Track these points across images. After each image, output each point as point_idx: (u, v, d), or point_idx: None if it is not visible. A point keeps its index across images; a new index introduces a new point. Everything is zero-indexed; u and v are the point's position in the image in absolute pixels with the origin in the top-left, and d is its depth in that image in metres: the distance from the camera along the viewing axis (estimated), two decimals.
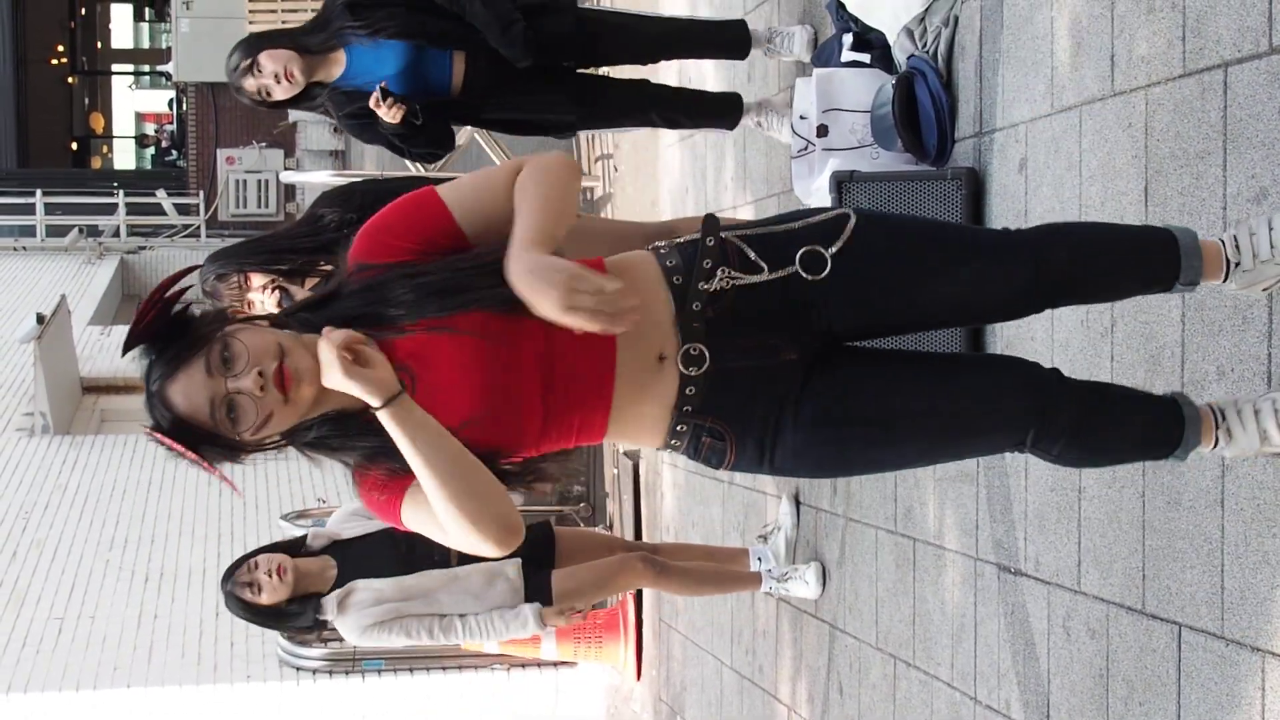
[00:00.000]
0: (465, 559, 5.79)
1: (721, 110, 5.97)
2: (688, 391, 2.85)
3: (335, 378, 2.61)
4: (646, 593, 8.78)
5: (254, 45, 5.31)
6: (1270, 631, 3.30)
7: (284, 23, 18.66)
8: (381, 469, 2.75)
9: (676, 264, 2.87)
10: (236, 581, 5.61)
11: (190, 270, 2.83)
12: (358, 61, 5.37)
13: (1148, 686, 3.75)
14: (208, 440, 2.69)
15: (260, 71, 5.26)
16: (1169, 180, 3.66)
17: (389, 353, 2.72)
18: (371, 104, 5.26)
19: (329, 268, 5.19)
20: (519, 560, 5.82)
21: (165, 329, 2.70)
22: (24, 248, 22.90)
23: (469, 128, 8.35)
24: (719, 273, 2.84)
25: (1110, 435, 3.05)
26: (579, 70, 5.70)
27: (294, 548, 5.77)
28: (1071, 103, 4.09)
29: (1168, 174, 3.66)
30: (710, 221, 2.91)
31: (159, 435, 2.70)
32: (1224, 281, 3.12)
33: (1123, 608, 3.86)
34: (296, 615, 5.92)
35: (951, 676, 4.86)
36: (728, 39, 5.88)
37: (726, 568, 6.52)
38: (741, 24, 5.90)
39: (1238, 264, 3.10)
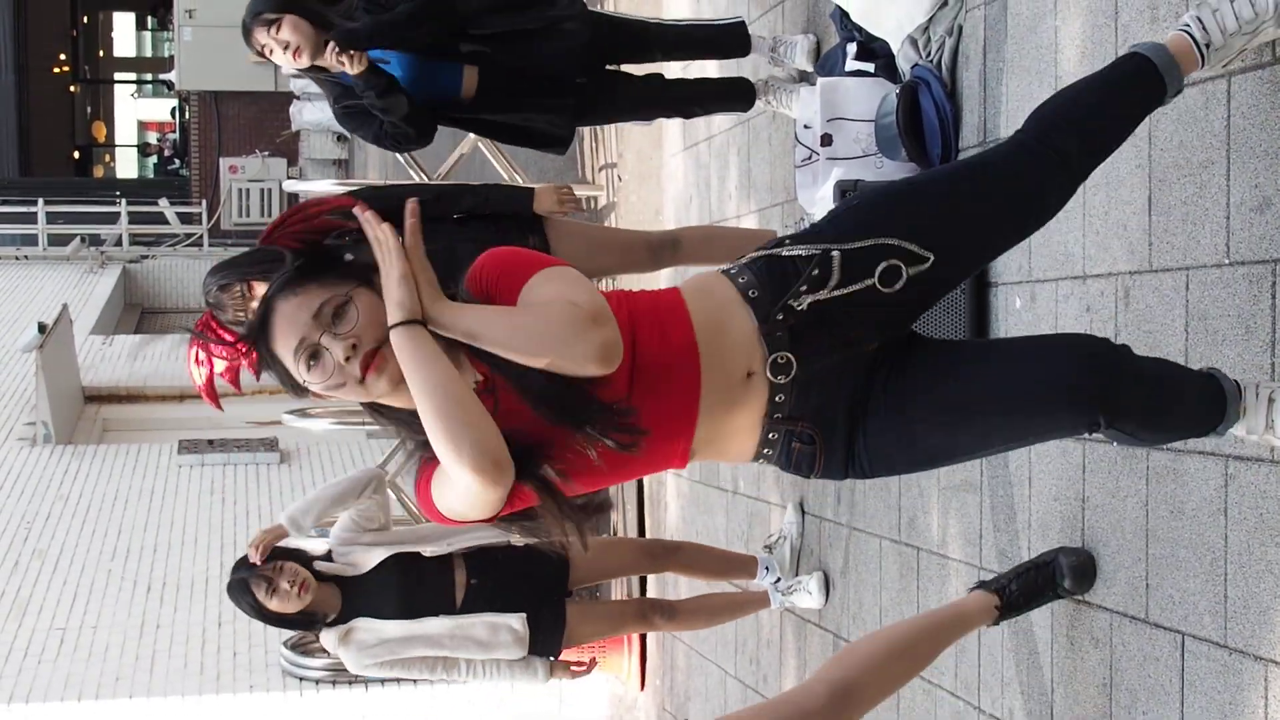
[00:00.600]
0: (469, 606, 5.77)
1: (733, 94, 5.97)
2: (777, 399, 2.88)
3: (392, 274, 2.63)
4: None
5: (287, 5, 5.22)
6: (1273, 640, 3.30)
7: None
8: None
9: (749, 279, 2.91)
10: (256, 573, 5.56)
11: (350, 203, 2.83)
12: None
13: (1151, 696, 3.75)
14: (270, 362, 2.76)
15: (277, 30, 5.19)
16: (1172, 189, 3.66)
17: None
18: (329, 60, 5.18)
19: None
20: (524, 615, 5.77)
21: (314, 250, 2.77)
22: (26, 256, 22.91)
23: (473, 136, 8.37)
24: (802, 288, 2.88)
25: (1176, 413, 3.07)
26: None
27: (307, 560, 5.73)
28: None
29: (1171, 183, 3.66)
30: (777, 240, 2.95)
31: (221, 338, 2.77)
32: (1202, 67, 3.17)
33: (1126, 617, 3.86)
34: (292, 626, 5.91)
35: (955, 685, 4.85)
36: (730, 39, 5.88)
37: (734, 594, 6.52)
38: (741, 24, 5.91)
39: (1209, 44, 3.15)
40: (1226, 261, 3.47)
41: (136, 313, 22.07)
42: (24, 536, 11.78)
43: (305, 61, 5.25)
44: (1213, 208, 3.51)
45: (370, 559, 5.76)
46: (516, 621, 5.73)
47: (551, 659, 5.92)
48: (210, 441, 13.77)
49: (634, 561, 6.48)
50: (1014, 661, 4.46)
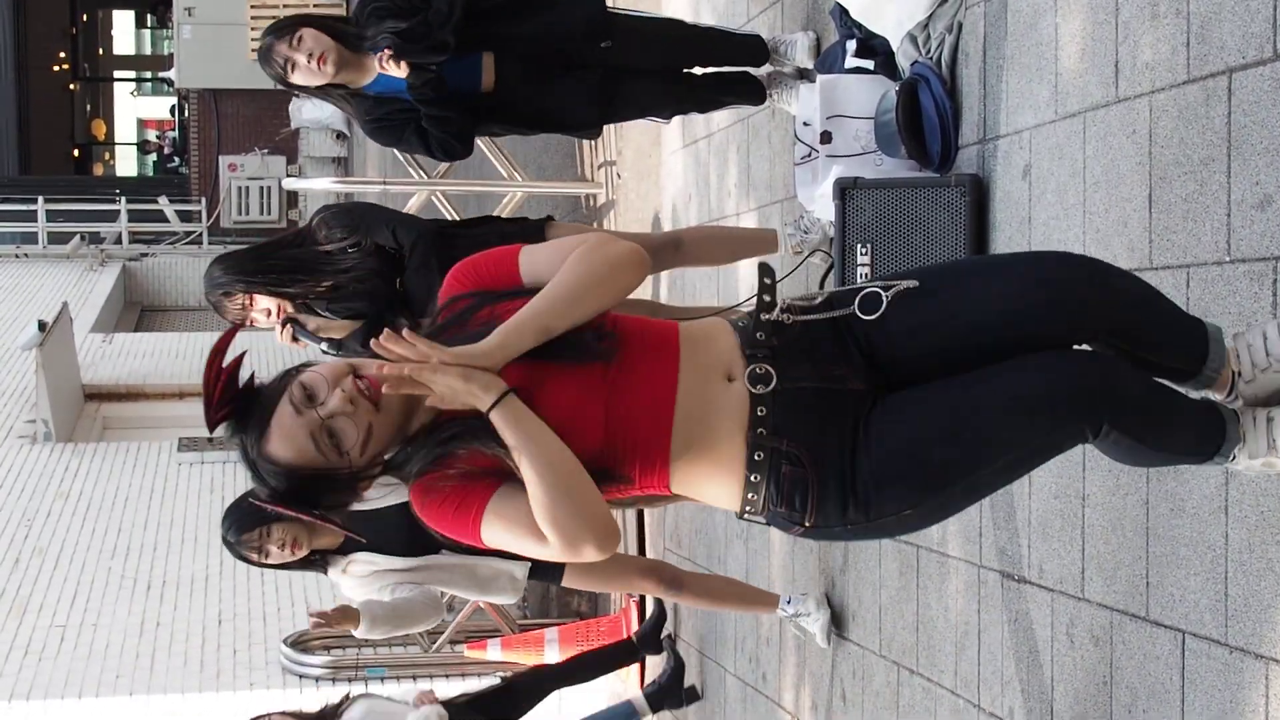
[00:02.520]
0: (477, 549, 5.77)
1: (745, 91, 5.94)
2: (759, 411, 2.83)
3: (450, 383, 2.67)
4: (649, 600, 8.78)
5: (301, 19, 5.19)
6: (1274, 638, 3.29)
7: None
8: (459, 474, 2.78)
9: (740, 316, 2.95)
10: (244, 543, 5.55)
11: (232, 335, 2.86)
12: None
13: (1151, 694, 3.75)
14: (324, 485, 2.76)
15: (298, 43, 5.11)
16: (1173, 187, 3.66)
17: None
18: (381, 65, 5.12)
19: (328, 284, 5.18)
20: (528, 564, 5.81)
21: (239, 401, 2.78)
22: (26, 254, 22.93)
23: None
24: (779, 304, 2.91)
25: (1178, 423, 3.00)
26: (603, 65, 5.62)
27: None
28: (1075, 109, 4.09)
29: (1172, 180, 3.66)
30: (764, 267, 2.97)
31: (279, 508, 2.78)
32: (1228, 396, 3.10)
33: (1126, 615, 3.86)
34: (294, 567, 5.88)
35: (955, 684, 4.85)
36: (747, 50, 5.87)
37: (745, 585, 6.47)
38: (758, 38, 5.91)
39: (1239, 373, 3.09)
40: (1227, 259, 3.47)
41: (136, 310, 22.08)
42: (24, 534, 11.79)
43: (331, 70, 5.14)
44: (1213, 205, 3.51)
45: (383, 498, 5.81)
46: (519, 570, 5.80)
47: (555, 586, 5.95)
48: (210, 439, 13.73)
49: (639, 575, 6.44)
50: (1014, 660, 4.46)
